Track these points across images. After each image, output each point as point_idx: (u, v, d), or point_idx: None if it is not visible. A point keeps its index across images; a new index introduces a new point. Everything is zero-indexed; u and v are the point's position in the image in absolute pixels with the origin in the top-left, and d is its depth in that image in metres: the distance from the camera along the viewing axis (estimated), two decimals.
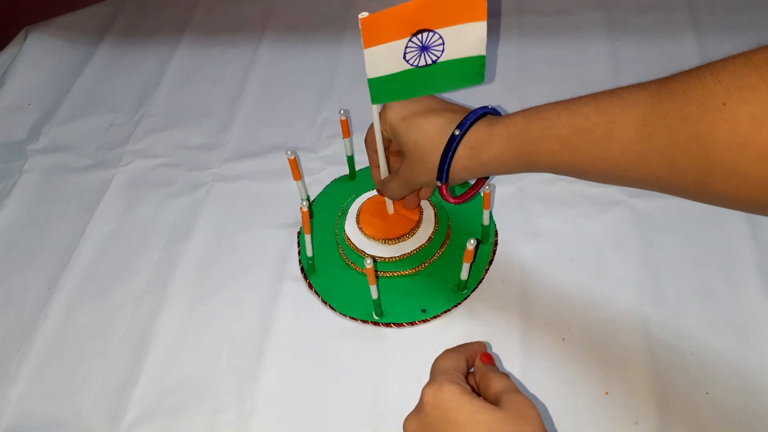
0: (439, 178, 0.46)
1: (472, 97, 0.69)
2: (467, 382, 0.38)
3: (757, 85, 0.32)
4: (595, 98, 0.40)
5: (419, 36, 0.43)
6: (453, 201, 0.50)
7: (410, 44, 0.43)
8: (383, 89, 0.46)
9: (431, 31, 0.42)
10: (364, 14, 0.41)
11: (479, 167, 0.45)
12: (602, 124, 0.38)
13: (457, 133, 0.45)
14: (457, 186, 0.59)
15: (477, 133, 0.45)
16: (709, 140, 0.33)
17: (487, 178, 0.51)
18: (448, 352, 0.41)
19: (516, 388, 0.37)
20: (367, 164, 0.64)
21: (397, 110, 0.48)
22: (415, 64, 0.45)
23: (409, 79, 0.46)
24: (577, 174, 0.42)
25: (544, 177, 0.62)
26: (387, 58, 0.44)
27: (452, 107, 0.48)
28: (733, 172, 0.33)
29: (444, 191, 0.48)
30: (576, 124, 0.40)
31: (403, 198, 0.54)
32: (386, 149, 0.53)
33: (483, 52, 0.44)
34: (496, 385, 0.38)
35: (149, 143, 0.70)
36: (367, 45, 0.43)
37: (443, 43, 0.43)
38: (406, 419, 0.38)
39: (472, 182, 0.53)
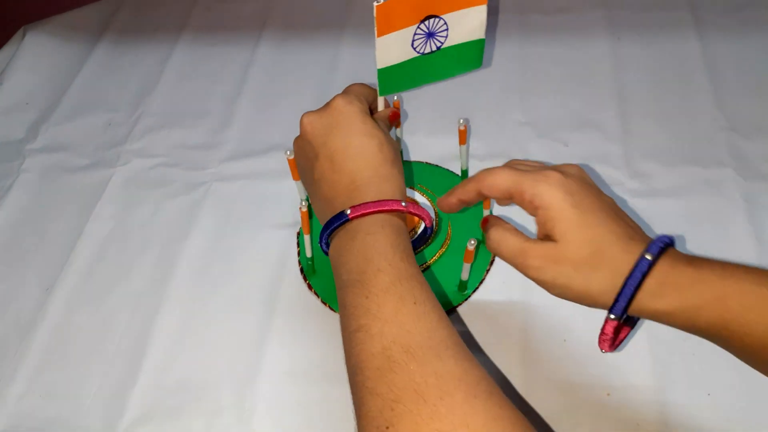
0: (613, 310, 0.38)
1: (471, 98, 0.69)
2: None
3: None
4: None
5: (427, 22, 0.43)
6: (609, 350, 0.41)
7: (418, 31, 0.43)
8: (391, 79, 0.46)
9: (437, 17, 0.43)
10: (379, 1, 0.41)
11: (656, 316, 0.37)
12: None
13: (649, 258, 0.36)
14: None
15: (673, 269, 0.37)
16: None
17: (632, 325, 0.42)
18: (362, 84, 0.48)
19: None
20: None
21: (559, 185, 0.39)
22: (421, 51, 0.45)
23: (415, 67, 0.46)
24: None
25: None
26: (397, 46, 0.44)
27: (619, 213, 0.40)
28: None
29: (609, 330, 0.39)
30: None
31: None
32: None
33: (483, 36, 0.45)
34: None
35: (147, 142, 0.70)
36: (381, 33, 0.43)
37: (447, 29, 0.44)
38: (305, 115, 0.45)
39: None
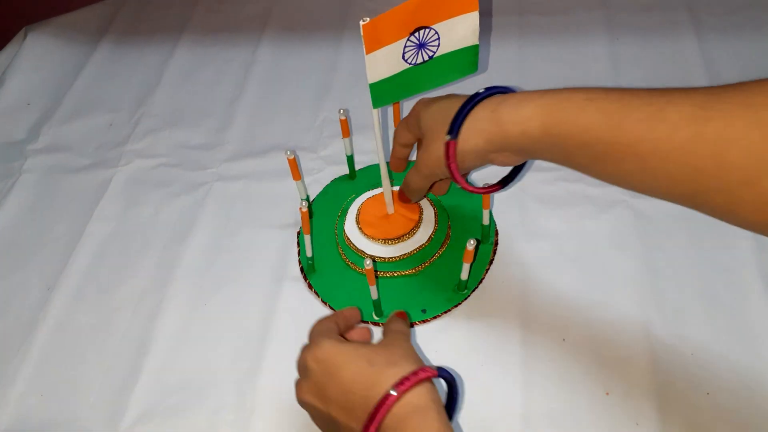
0: (450, 131, 0.42)
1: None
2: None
3: None
4: (654, 88, 0.36)
5: (416, 34, 0.43)
6: (465, 185, 0.46)
7: (408, 43, 0.43)
8: (384, 92, 0.46)
9: (427, 27, 0.43)
10: (365, 20, 0.41)
11: (498, 135, 0.41)
12: (655, 103, 0.35)
13: (481, 91, 0.42)
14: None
15: (505, 97, 0.42)
16: None
17: (503, 184, 0.49)
18: (321, 320, 0.46)
19: (400, 329, 0.44)
20: (367, 164, 0.64)
21: (426, 100, 0.48)
22: (413, 62, 0.45)
23: (408, 78, 0.46)
24: (609, 160, 0.37)
25: (544, 177, 0.62)
26: (387, 60, 0.44)
27: None
28: None
29: (453, 162, 0.43)
30: (625, 100, 0.36)
31: (423, 196, 0.51)
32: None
33: (476, 42, 0.45)
34: (390, 326, 0.45)
35: (149, 143, 0.70)
36: (369, 50, 0.42)
37: (438, 38, 0.44)
38: (298, 390, 0.41)
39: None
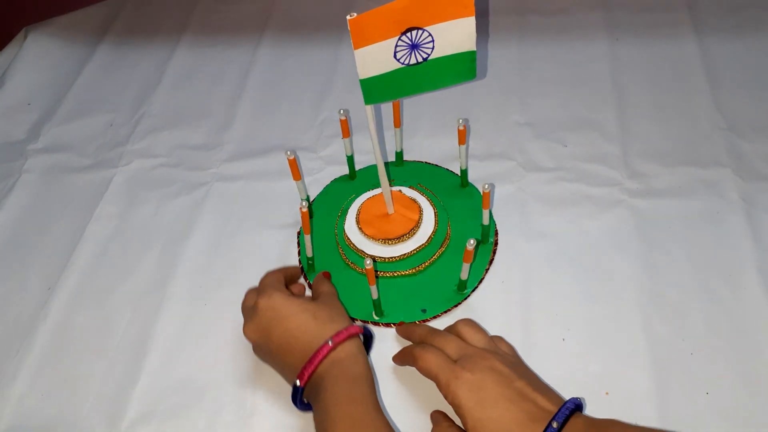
0: None
1: (471, 98, 0.69)
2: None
3: None
4: None
5: (409, 34, 0.43)
6: None
7: (400, 43, 0.43)
8: (376, 89, 0.46)
9: (420, 28, 0.43)
10: (352, 15, 0.41)
11: None
12: None
13: (555, 426, 0.40)
14: None
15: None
16: None
17: None
18: (270, 273, 0.53)
19: (331, 291, 0.52)
20: (367, 164, 0.64)
21: (467, 386, 0.43)
22: (406, 62, 0.45)
23: (401, 78, 0.46)
24: None
25: (544, 177, 0.62)
26: (378, 57, 0.44)
27: (527, 397, 0.43)
28: None
29: None
30: None
31: None
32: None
33: (473, 48, 0.45)
34: (322, 288, 0.53)
35: (149, 143, 0.70)
36: (357, 46, 0.42)
37: (433, 41, 0.44)
38: (245, 329, 0.49)
39: None
